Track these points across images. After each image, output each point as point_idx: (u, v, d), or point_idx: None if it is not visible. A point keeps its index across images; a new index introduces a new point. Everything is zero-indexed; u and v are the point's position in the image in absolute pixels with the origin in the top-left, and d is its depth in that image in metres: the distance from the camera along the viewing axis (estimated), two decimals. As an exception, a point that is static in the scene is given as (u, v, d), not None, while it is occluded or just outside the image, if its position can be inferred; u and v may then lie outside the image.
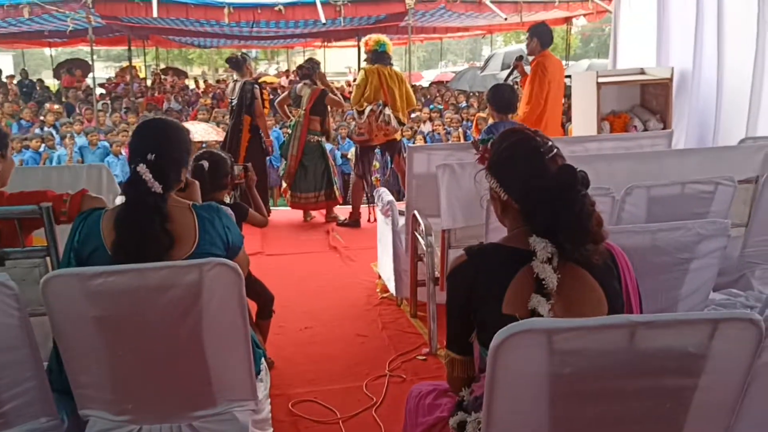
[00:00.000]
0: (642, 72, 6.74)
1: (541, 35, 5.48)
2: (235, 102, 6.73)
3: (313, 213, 7.02)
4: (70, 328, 1.93)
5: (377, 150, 6.85)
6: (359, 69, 17.63)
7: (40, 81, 19.96)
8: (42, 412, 2.01)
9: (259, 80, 8.19)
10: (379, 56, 6.30)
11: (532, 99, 5.33)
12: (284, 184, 7.03)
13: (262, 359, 2.48)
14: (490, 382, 1.35)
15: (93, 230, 2.07)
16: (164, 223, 2.04)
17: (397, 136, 6.39)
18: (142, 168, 2.03)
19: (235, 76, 6.93)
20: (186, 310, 1.93)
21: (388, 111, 6.13)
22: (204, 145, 8.92)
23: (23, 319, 1.88)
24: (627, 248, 1.86)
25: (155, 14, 10.60)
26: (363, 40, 6.85)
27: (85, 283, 1.85)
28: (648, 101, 6.85)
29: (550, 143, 1.68)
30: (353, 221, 6.67)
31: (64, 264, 2.09)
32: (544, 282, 1.58)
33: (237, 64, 6.79)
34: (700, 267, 2.37)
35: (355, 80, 7.31)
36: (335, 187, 6.93)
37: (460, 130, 11.33)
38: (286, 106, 7.05)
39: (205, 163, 3.18)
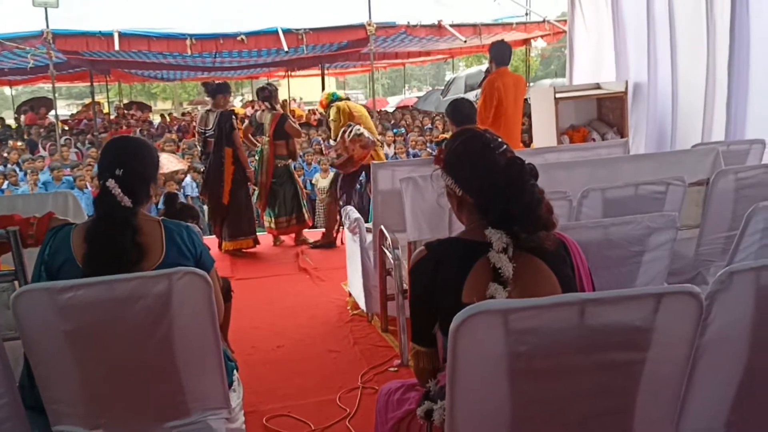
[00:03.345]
0: (598, 87, 6.96)
1: (495, 53, 5.62)
2: (210, 133, 6.47)
3: (282, 237, 7.06)
4: (42, 343, 1.94)
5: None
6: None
7: (1, 120, 19.75)
8: (14, 429, 2.01)
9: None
10: (337, 100, 6.68)
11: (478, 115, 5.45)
12: (259, 211, 7.10)
13: (235, 371, 2.51)
14: (451, 364, 1.41)
15: (63, 244, 2.10)
16: (134, 237, 2.08)
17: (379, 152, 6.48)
18: (111, 183, 2.08)
19: (209, 107, 6.65)
20: (156, 320, 1.96)
21: (357, 127, 6.25)
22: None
23: (-6, 336, 1.90)
24: (582, 243, 1.95)
25: (117, 47, 10.61)
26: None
27: (55, 297, 1.88)
28: (605, 115, 7.08)
29: (499, 140, 1.78)
30: (327, 243, 6.72)
31: (35, 277, 2.12)
32: (500, 270, 1.66)
33: (213, 91, 6.55)
34: (652, 259, 2.48)
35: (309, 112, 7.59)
36: (304, 210, 6.98)
37: (428, 150, 11.47)
38: (250, 135, 7.07)
39: (179, 195, 3.23)
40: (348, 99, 6.84)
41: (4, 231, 2.53)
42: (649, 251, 2.45)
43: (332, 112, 6.60)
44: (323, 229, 6.99)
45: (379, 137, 6.63)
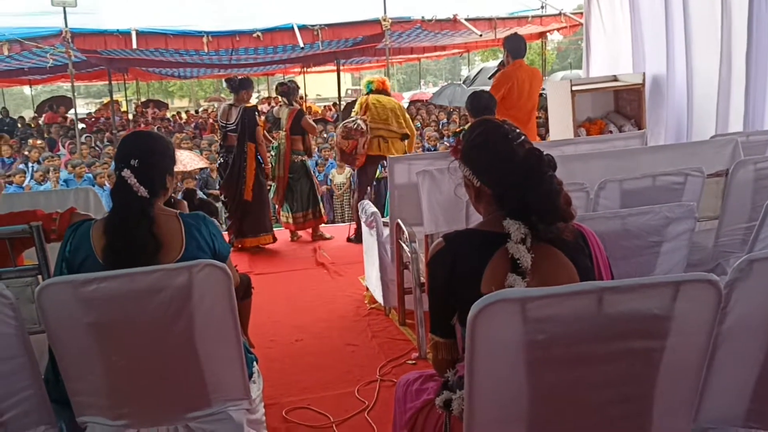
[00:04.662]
0: (615, 79, 6.91)
1: (510, 46, 5.60)
2: (232, 128, 6.44)
3: (299, 232, 7.09)
4: (66, 336, 1.98)
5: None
6: (338, 94, 17.83)
7: (21, 118, 19.98)
8: (40, 420, 2.06)
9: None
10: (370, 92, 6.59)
11: None
12: (275, 206, 7.13)
13: (254, 363, 2.54)
14: (469, 352, 1.42)
15: (83, 240, 2.13)
16: (151, 227, 2.11)
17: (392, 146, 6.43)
18: (126, 172, 2.11)
19: (231, 101, 6.58)
20: (177, 312, 1.99)
21: (350, 119, 6.25)
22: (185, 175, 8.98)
23: (20, 328, 1.93)
24: (600, 234, 1.95)
25: (134, 45, 10.69)
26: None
27: (78, 289, 1.91)
28: (622, 107, 7.02)
29: (517, 130, 1.78)
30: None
31: (57, 273, 2.15)
32: (518, 261, 1.66)
33: (236, 87, 6.50)
34: (671, 250, 2.47)
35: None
36: (320, 205, 7.01)
37: (445, 144, 11.47)
38: (265, 131, 7.06)
39: (198, 192, 3.27)
40: (382, 91, 6.60)
41: (28, 226, 2.58)
42: (667, 241, 2.44)
43: (356, 106, 6.60)
44: (349, 224, 7.01)
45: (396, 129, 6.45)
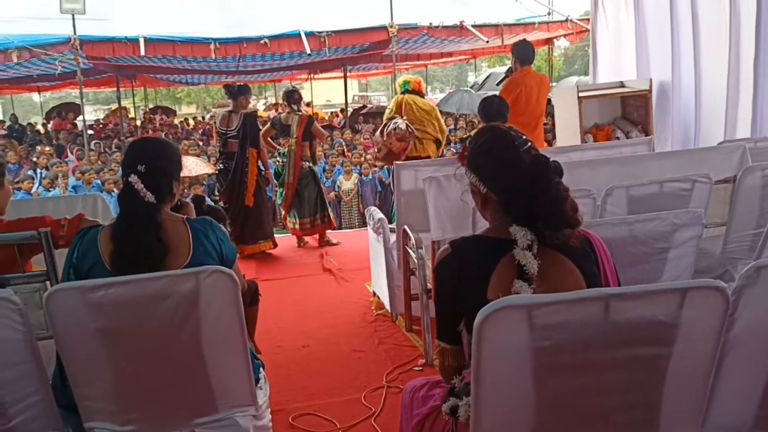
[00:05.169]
0: (622, 85, 6.90)
1: (518, 53, 5.61)
2: (233, 134, 6.45)
3: (306, 238, 7.10)
4: (74, 341, 1.99)
5: None
6: (345, 101, 17.83)
7: (31, 125, 20.10)
8: (48, 426, 2.06)
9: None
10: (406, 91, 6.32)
11: None
12: (282, 212, 7.13)
13: (261, 369, 2.54)
14: (476, 358, 1.42)
15: (91, 246, 2.14)
16: (158, 233, 2.12)
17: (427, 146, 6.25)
18: (133, 178, 2.13)
19: (230, 108, 6.60)
20: (185, 318, 1.99)
21: (396, 120, 6.12)
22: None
23: (28, 334, 1.94)
24: (607, 240, 1.95)
25: (142, 52, 10.76)
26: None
27: (86, 295, 1.92)
28: (629, 113, 7.01)
29: (524, 137, 1.79)
30: None
31: (64, 279, 2.16)
32: (525, 268, 1.66)
33: (235, 93, 6.53)
34: (678, 256, 2.46)
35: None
36: (328, 210, 7.02)
37: (452, 150, 11.45)
38: (269, 138, 7.07)
39: (207, 198, 3.28)
40: (417, 92, 6.30)
41: (36, 232, 2.59)
42: (674, 248, 2.43)
43: (391, 104, 6.44)
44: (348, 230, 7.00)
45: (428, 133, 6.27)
